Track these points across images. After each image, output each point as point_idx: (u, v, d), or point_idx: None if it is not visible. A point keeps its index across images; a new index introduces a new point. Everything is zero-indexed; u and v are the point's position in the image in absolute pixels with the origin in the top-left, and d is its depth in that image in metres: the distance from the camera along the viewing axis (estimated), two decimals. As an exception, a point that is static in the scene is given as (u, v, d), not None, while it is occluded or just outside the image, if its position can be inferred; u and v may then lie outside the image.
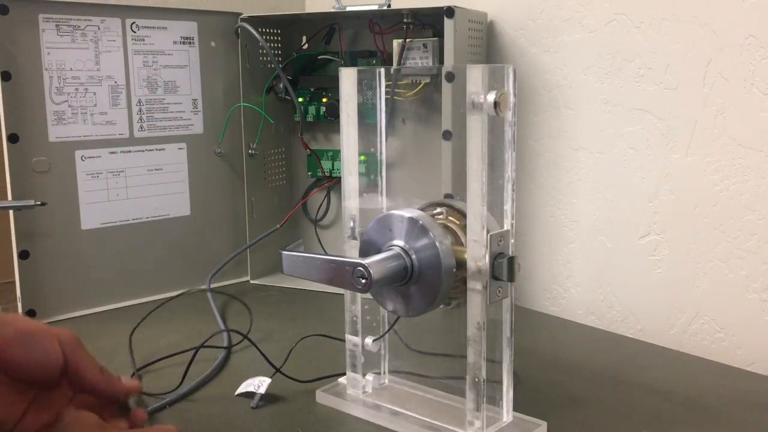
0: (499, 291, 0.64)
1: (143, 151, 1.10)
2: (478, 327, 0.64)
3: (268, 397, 0.76)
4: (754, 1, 0.85)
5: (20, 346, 0.56)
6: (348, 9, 1.07)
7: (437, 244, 0.64)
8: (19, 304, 1.00)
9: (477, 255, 0.63)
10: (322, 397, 0.76)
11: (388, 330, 0.75)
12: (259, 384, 0.76)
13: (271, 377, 0.77)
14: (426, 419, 0.70)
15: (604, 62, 0.99)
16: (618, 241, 1.01)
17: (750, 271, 0.89)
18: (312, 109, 1.20)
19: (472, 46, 1.03)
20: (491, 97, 0.60)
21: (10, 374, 0.57)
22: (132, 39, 1.07)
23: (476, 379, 0.65)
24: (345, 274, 0.64)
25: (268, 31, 1.18)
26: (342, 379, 0.78)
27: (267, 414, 0.73)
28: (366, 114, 0.73)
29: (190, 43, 1.13)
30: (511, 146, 0.64)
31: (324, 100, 1.19)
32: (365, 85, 0.72)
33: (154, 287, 1.12)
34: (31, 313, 1.00)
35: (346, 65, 1.15)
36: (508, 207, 0.65)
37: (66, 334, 0.59)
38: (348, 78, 0.72)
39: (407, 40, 1.04)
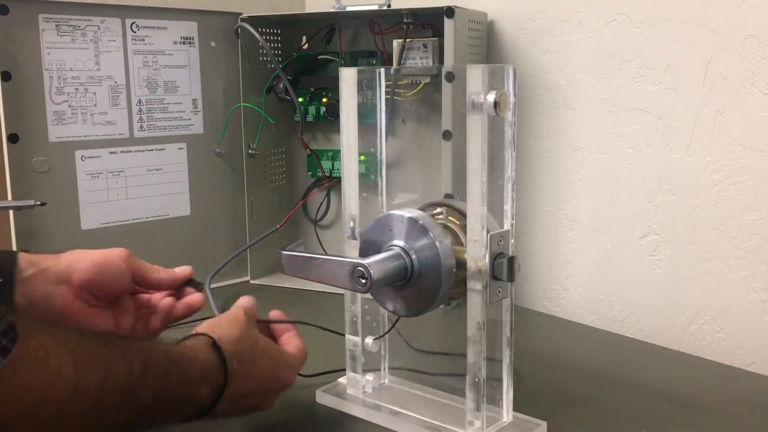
0: (499, 291, 0.64)
1: (143, 151, 1.10)
2: (478, 327, 0.64)
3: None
4: (754, 1, 0.85)
5: (99, 272, 0.69)
6: (348, 9, 1.07)
7: (437, 244, 0.64)
8: (19, 304, 1.00)
9: (477, 255, 0.63)
10: (322, 397, 0.76)
11: (389, 330, 0.75)
12: None
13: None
14: (426, 419, 0.70)
15: (604, 62, 0.99)
16: (618, 241, 1.01)
17: (750, 271, 0.89)
18: (312, 109, 1.20)
19: (472, 46, 1.03)
20: (491, 97, 0.60)
21: (98, 296, 0.70)
22: (132, 39, 1.07)
23: (476, 379, 0.65)
24: (345, 274, 0.64)
25: (268, 31, 1.18)
26: (342, 379, 0.78)
27: (267, 412, 0.73)
28: (366, 114, 0.73)
29: (190, 43, 1.13)
30: (511, 146, 0.64)
31: (324, 100, 1.19)
32: (365, 85, 0.72)
33: (154, 287, 1.11)
34: (31, 313, 1.00)
35: (346, 65, 1.15)
36: (508, 207, 0.65)
37: (120, 251, 0.71)
38: (348, 78, 0.72)
39: (407, 40, 1.04)
